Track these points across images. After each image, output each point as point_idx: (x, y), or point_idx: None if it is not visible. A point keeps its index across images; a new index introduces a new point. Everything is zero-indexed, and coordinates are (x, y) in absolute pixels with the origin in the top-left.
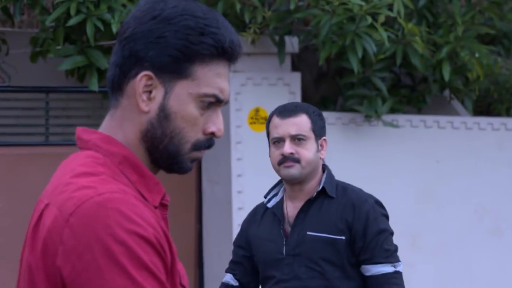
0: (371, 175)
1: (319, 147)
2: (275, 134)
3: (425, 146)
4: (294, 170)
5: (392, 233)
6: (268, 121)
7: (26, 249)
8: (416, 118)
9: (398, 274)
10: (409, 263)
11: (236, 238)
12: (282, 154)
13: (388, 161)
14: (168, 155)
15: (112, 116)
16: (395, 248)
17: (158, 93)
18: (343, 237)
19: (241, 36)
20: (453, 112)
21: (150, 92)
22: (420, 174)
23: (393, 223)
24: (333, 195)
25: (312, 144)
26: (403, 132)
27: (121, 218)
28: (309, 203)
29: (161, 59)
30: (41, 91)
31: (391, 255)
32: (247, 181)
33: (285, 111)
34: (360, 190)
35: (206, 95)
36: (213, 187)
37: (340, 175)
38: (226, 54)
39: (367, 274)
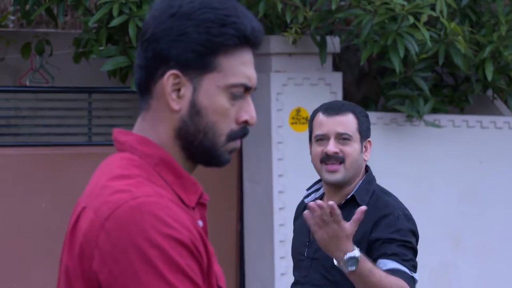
0: (413, 175)
1: (363, 149)
2: (319, 131)
3: (467, 146)
4: (338, 175)
5: (415, 250)
6: (311, 117)
7: (64, 252)
8: (458, 118)
9: (412, 281)
10: (452, 263)
11: None
12: (326, 153)
13: (430, 161)
14: (205, 150)
15: (143, 119)
16: (414, 264)
17: (187, 90)
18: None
19: (283, 36)
20: (496, 112)
21: (179, 90)
22: (463, 175)
23: (436, 224)
24: (363, 204)
25: (357, 144)
26: (445, 132)
27: (156, 222)
28: (339, 208)
29: (186, 56)
30: (84, 91)
31: (409, 262)
32: (288, 181)
33: (332, 108)
34: (394, 200)
35: (234, 85)
36: (254, 187)
37: (382, 175)
38: (249, 42)
39: (384, 268)
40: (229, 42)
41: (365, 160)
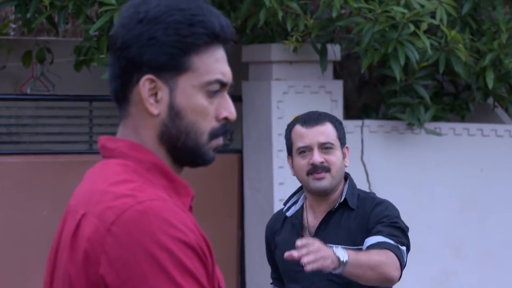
0: (413, 183)
1: (343, 155)
2: (301, 143)
3: (468, 154)
4: (326, 182)
5: (403, 231)
6: (288, 131)
7: (60, 259)
8: (459, 126)
9: (399, 250)
10: (453, 271)
11: (266, 253)
12: (312, 164)
13: (431, 169)
14: (189, 151)
15: (125, 126)
16: (402, 241)
17: (164, 94)
18: (361, 247)
19: (283, 44)
20: (497, 120)
21: (156, 94)
22: (464, 183)
23: (437, 232)
24: (354, 206)
25: (339, 152)
26: (446, 140)
27: (163, 225)
28: (330, 214)
29: (158, 59)
30: (85, 99)
31: (395, 237)
32: (288, 189)
33: (310, 119)
34: (379, 198)
35: (209, 83)
36: (254, 194)
37: (383, 183)
38: (219, 38)
39: (367, 244)
40: (199, 41)
41: (346, 166)
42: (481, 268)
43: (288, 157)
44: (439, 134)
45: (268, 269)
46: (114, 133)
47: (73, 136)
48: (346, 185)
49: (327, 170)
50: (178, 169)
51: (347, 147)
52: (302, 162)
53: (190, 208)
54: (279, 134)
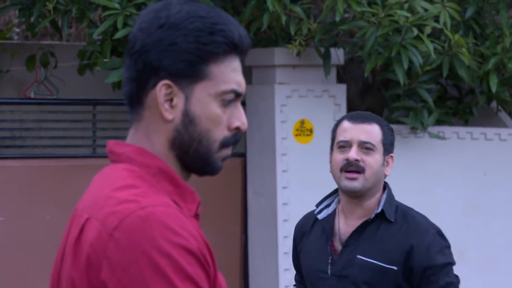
0: (417, 187)
1: (385, 163)
2: (342, 137)
3: (472, 158)
4: (357, 183)
5: (453, 263)
6: (335, 125)
7: (65, 263)
8: (462, 130)
9: None
10: None
11: (292, 253)
12: (347, 159)
13: (434, 173)
14: (199, 158)
15: (136, 129)
16: (458, 281)
17: (179, 100)
18: (395, 267)
19: (287, 48)
20: (501, 124)
21: (171, 100)
22: (467, 186)
23: None
24: (392, 219)
25: (379, 156)
26: (449, 144)
27: (165, 230)
28: (365, 224)
29: (177, 65)
30: (88, 103)
31: (451, 285)
32: (292, 193)
33: (358, 117)
34: (422, 217)
35: (225, 92)
36: (258, 199)
37: None
38: (237, 49)
39: None
40: (218, 49)
41: (385, 175)
42: (484, 272)
43: (330, 153)
44: (443, 138)
45: (271, 274)
46: (117, 137)
47: (77, 140)
48: (385, 195)
49: (361, 170)
50: (186, 176)
51: (391, 156)
52: (339, 157)
53: (197, 215)
54: (283, 138)
